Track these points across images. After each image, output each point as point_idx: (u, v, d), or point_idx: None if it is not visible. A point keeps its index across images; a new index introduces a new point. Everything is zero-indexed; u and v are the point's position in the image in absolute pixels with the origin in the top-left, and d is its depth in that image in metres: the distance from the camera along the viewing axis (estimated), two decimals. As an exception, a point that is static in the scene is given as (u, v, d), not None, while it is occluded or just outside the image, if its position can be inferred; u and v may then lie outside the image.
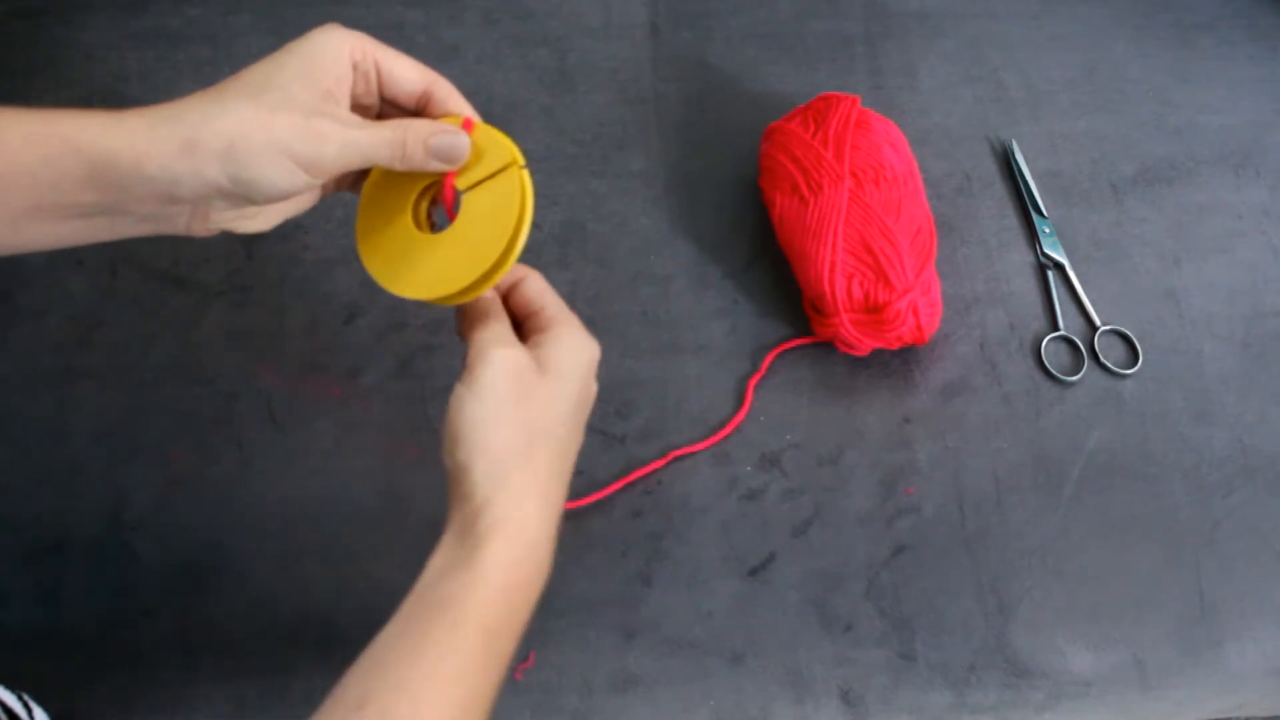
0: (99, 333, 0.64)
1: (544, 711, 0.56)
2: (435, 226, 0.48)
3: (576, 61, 0.74)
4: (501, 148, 0.46)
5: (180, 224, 0.44)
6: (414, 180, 0.47)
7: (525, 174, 0.46)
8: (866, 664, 0.58)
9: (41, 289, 0.65)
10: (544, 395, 0.44)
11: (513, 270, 0.47)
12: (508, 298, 0.48)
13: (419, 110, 0.47)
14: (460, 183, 0.46)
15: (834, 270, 0.61)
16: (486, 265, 0.45)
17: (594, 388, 0.49)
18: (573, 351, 0.46)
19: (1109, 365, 0.65)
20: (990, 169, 0.72)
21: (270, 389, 0.63)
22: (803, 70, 0.75)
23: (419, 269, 0.46)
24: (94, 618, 0.57)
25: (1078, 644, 0.59)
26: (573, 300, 0.66)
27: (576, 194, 0.70)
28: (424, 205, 0.48)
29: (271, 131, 0.40)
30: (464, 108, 0.47)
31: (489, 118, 0.71)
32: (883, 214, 0.61)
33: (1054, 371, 0.65)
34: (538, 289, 0.48)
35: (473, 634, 0.40)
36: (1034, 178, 0.71)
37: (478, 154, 0.46)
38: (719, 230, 0.69)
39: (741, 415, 0.63)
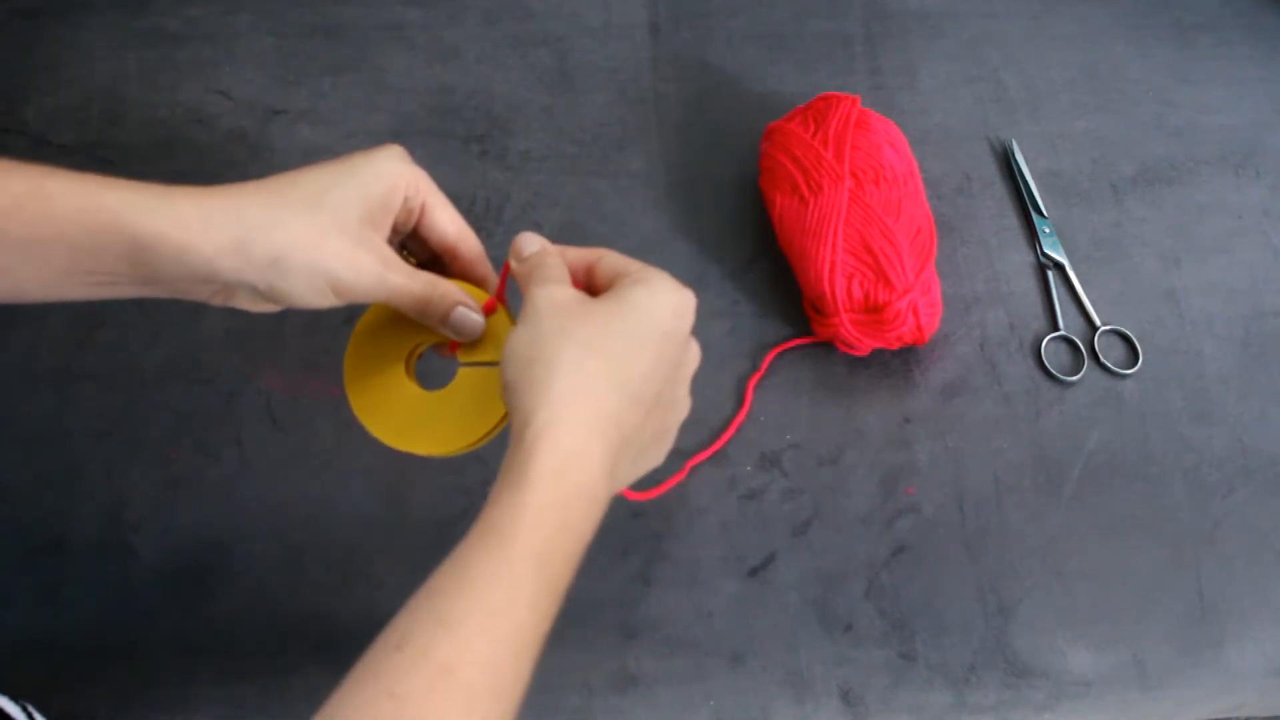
0: (99, 333, 0.64)
1: (544, 711, 0.56)
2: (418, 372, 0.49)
3: (576, 61, 0.74)
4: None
5: (200, 297, 0.44)
6: (415, 330, 0.48)
7: None
8: (866, 664, 0.58)
9: (41, 289, 0.65)
10: (599, 316, 0.41)
11: (586, 253, 0.46)
12: (592, 282, 0.46)
13: (442, 257, 0.49)
14: (462, 356, 0.47)
15: (834, 270, 0.61)
16: (464, 443, 0.46)
17: (689, 342, 0.45)
18: (645, 290, 0.42)
19: (1109, 365, 0.65)
20: (990, 169, 0.72)
21: (270, 389, 0.63)
22: (803, 70, 0.75)
23: (402, 422, 0.47)
24: (94, 618, 0.57)
25: (1078, 644, 0.59)
26: (573, 300, 0.66)
27: (576, 194, 0.70)
28: (416, 358, 0.49)
29: (318, 255, 0.42)
30: (488, 275, 0.49)
31: (489, 118, 0.72)
32: (883, 214, 0.61)
33: (1054, 371, 0.65)
34: (613, 262, 0.46)
35: (519, 561, 0.37)
36: (1034, 178, 0.71)
37: (488, 336, 0.47)
38: (719, 230, 0.69)
39: (743, 415, 0.63)
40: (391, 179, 0.44)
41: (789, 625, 0.58)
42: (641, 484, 0.59)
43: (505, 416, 0.46)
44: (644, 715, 0.57)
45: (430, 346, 0.49)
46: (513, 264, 0.46)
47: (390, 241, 0.47)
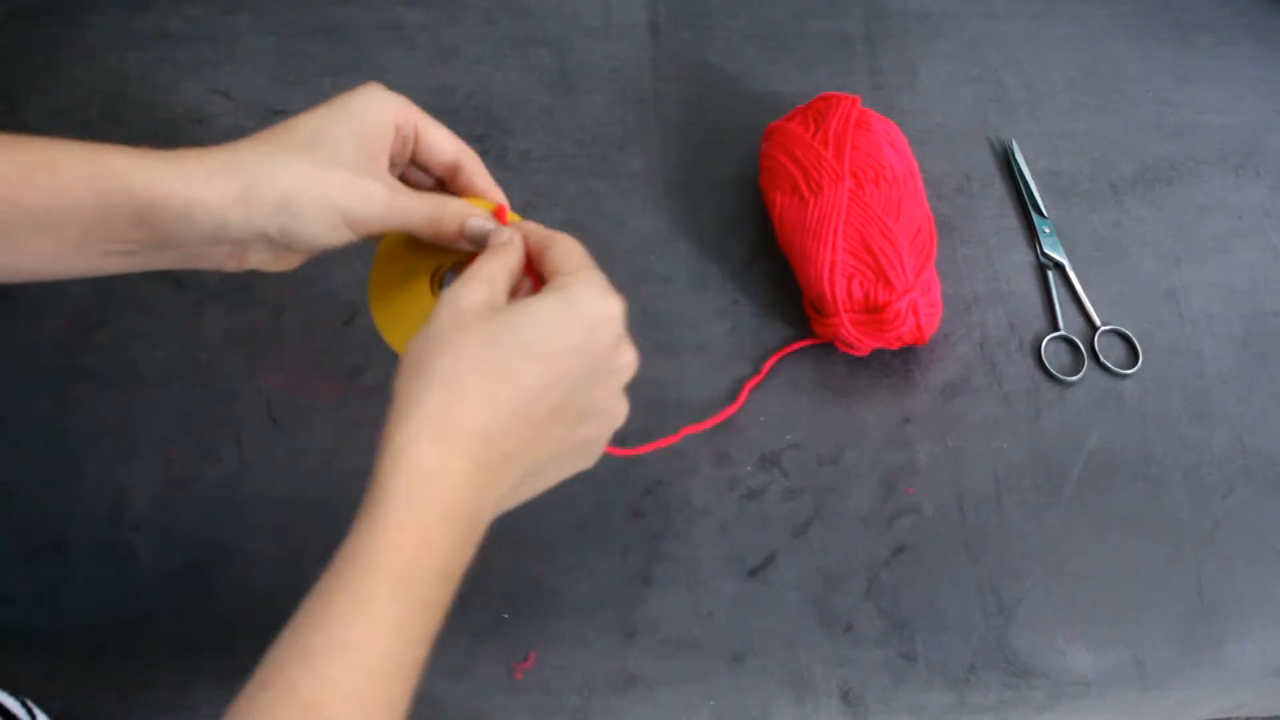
0: (99, 333, 0.64)
1: (544, 711, 0.56)
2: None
3: (576, 61, 0.74)
4: None
5: (214, 262, 0.45)
6: (433, 253, 0.48)
7: None
8: (866, 664, 0.58)
9: (41, 289, 0.65)
10: (491, 327, 0.40)
11: (545, 237, 0.46)
12: (542, 266, 0.46)
13: (446, 179, 0.49)
14: None
15: (834, 270, 0.61)
16: None
17: (613, 352, 0.43)
18: (556, 299, 0.41)
19: (1109, 365, 0.65)
20: (990, 169, 0.72)
21: (270, 389, 0.63)
22: (803, 70, 0.75)
23: None
24: (94, 618, 0.57)
25: (1078, 644, 0.59)
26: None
27: (576, 194, 0.70)
28: (438, 281, 0.49)
29: (324, 188, 0.42)
30: (490, 186, 0.49)
31: (489, 118, 0.72)
32: (883, 214, 0.61)
33: (1054, 371, 0.65)
34: (558, 256, 0.44)
35: (381, 586, 0.36)
36: (1034, 178, 0.71)
37: None
38: (719, 230, 0.69)
39: (737, 405, 0.63)
40: (379, 112, 0.45)
41: (789, 625, 0.58)
42: (631, 440, 0.60)
43: None
44: (644, 715, 0.57)
45: (450, 268, 0.49)
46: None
47: (390, 174, 0.47)
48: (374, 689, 0.35)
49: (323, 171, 0.42)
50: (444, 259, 0.49)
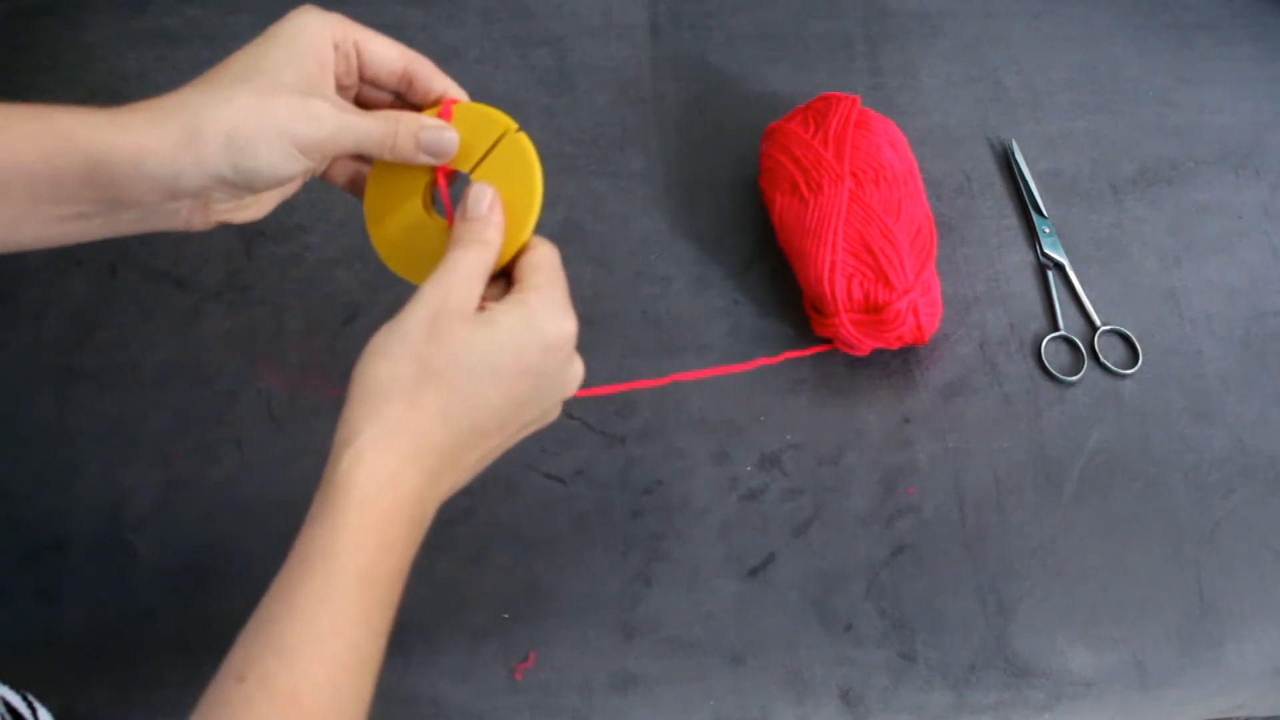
0: (99, 333, 0.64)
1: (544, 711, 0.56)
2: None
3: (576, 61, 0.74)
4: (491, 121, 0.47)
5: (179, 219, 0.44)
6: (415, 168, 0.47)
7: (523, 138, 0.47)
8: (866, 664, 0.58)
9: (41, 289, 0.65)
10: (460, 338, 0.41)
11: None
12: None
13: (400, 90, 0.48)
14: (463, 166, 0.46)
15: (834, 270, 0.61)
16: (510, 248, 0.45)
17: (564, 367, 0.44)
18: (525, 313, 0.42)
19: (1109, 365, 0.65)
20: (990, 169, 0.72)
21: (270, 389, 0.63)
22: (803, 70, 0.75)
23: (433, 259, 0.45)
24: (94, 618, 0.57)
25: (1078, 644, 0.59)
26: (572, 301, 0.66)
27: (576, 194, 0.70)
28: (429, 193, 0.48)
29: (270, 115, 0.41)
30: (449, 86, 0.48)
31: (489, 118, 0.72)
32: (883, 214, 0.61)
33: (1054, 371, 0.65)
34: (536, 260, 0.45)
35: (345, 583, 0.37)
36: (1034, 178, 0.71)
37: (468, 135, 0.46)
38: (719, 230, 0.69)
39: (755, 365, 0.63)
40: (314, 32, 0.43)
41: (789, 625, 0.58)
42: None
43: (530, 200, 0.46)
44: (644, 715, 0.57)
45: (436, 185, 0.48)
46: (456, 218, 0.45)
47: (344, 96, 0.46)
48: (346, 678, 0.37)
49: (265, 99, 0.41)
50: (429, 173, 0.47)
